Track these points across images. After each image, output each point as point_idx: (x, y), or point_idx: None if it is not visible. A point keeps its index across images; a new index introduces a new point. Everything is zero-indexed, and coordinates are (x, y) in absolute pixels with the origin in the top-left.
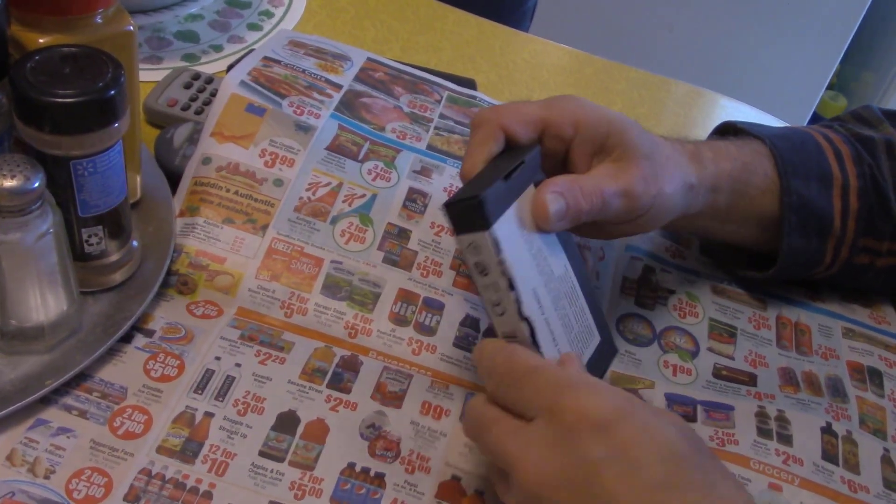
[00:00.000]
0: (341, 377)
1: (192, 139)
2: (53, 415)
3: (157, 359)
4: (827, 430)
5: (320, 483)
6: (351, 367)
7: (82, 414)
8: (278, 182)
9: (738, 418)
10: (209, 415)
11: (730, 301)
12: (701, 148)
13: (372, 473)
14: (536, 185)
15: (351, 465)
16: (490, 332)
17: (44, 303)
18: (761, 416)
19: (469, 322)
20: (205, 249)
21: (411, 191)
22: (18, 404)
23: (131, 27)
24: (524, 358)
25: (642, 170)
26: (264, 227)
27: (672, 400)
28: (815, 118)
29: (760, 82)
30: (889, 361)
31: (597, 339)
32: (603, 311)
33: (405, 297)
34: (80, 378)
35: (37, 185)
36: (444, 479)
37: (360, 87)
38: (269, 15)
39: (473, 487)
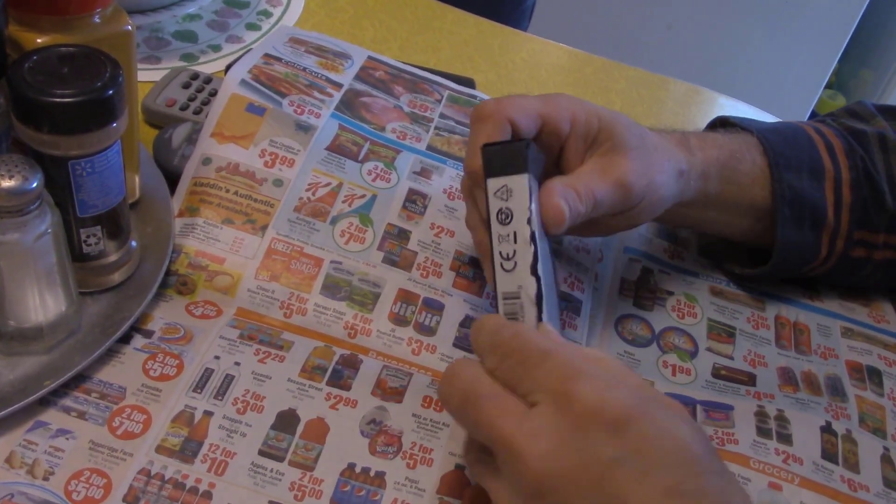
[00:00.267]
0: (341, 374)
1: (191, 139)
2: (52, 416)
3: (156, 359)
4: (826, 430)
5: (320, 484)
6: (351, 364)
7: (81, 415)
8: (278, 182)
9: (737, 418)
10: (208, 414)
11: (728, 301)
12: (687, 136)
13: (372, 473)
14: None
15: (351, 466)
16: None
17: (42, 303)
18: (761, 415)
19: (469, 323)
20: (204, 250)
21: (411, 192)
22: (17, 406)
23: (129, 27)
24: (534, 337)
25: (633, 160)
26: (264, 228)
27: None
28: (814, 117)
29: (759, 81)
30: (888, 360)
31: (557, 321)
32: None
33: (405, 297)
34: (79, 379)
35: (35, 185)
36: (447, 469)
37: (360, 87)
38: (267, 14)
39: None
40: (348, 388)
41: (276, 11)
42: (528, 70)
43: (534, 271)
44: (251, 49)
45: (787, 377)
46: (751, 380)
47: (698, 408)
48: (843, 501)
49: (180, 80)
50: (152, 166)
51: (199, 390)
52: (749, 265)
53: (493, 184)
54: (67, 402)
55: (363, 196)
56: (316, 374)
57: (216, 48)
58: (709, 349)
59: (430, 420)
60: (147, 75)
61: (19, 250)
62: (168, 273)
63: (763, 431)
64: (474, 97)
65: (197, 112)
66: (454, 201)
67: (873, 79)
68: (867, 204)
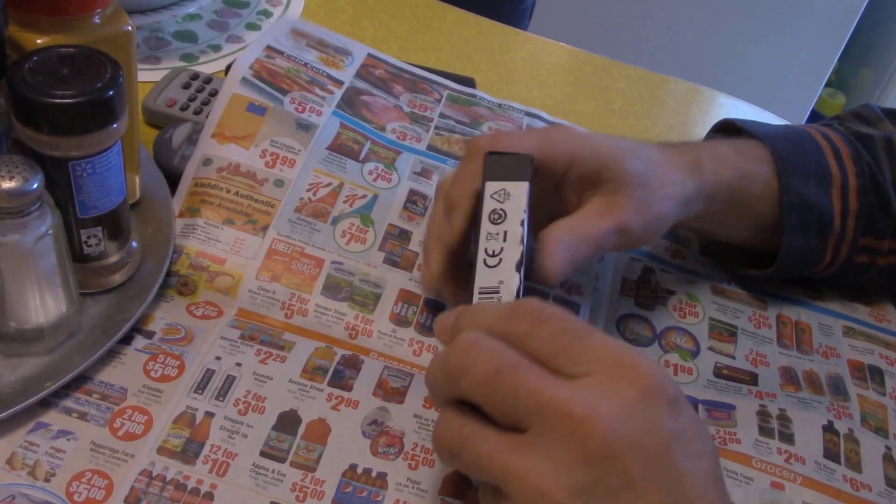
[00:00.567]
0: (342, 374)
1: (191, 139)
2: (53, 417)
3: (157, 359)
4: (828, 429)
5: (322, 485)
6: (352, 365)
7: (82, 416)
8: (279, 182)
9: (739, 417)
10: (210, 415)
11: (730, 300)
12: (702, 157)
13: (374, 474)
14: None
15: (352, 467)
16: None
17: (43, 304)
18: (763, 414)
19: None
20: (205, 250)
21: (412, 192)
22: (18, 407)
23: (129, 27)
24: (566, 315)
25: (634, 201)
26: (265, 228)
27: None
28: (814, 115)
29: (759, 80)
30: (890, 359)
31: None
32: None
33: (406, 297)
34: (80, 380)
35: (35, 186)
36: (449, 470)
37: (360, 85)
38: (267, 14)
39: None
40: (349, 389)
41: (276, 11)
42: (528, 69)
43: (518, 269)
44: (254, 41)
45: (789, 376)
46: (753, 379)
47: (700, 407)
48: (845, 501)
49: (180, 80)
50: (153, 167)
51: (200, 391)
52: (751, 265)
53: (492, 186)
54: (68, 403)
55: (364, 196)
56: (317, 375)
57: (216, 48)
58: (710, 348)
59: (432, 420)
60: (147, 75)
61: (20, 251)
62: (169, 274)
63: (765, 431)
64: (474, 97)
65: (197, 112)
66: None
67: (873, 77)
68: (873, 210)
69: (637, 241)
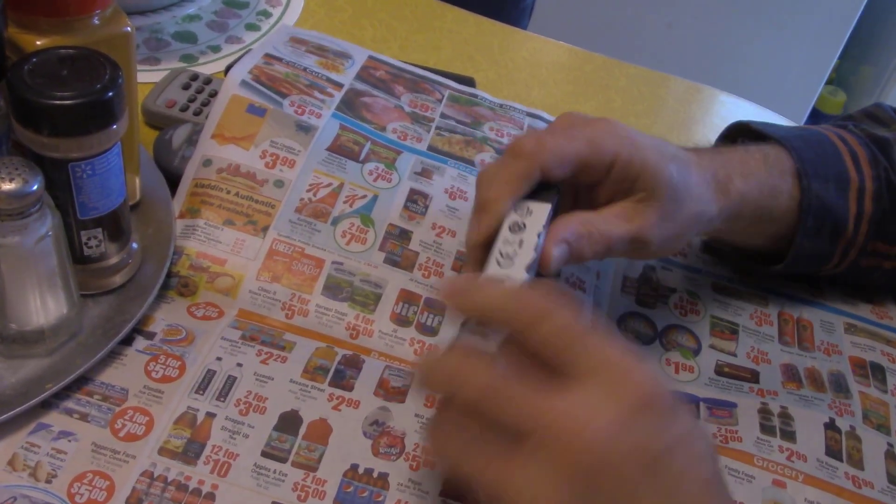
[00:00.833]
0: (343, 374)
1: (191, 140)
2: (54, 419)
3: (158, 360)
4: (830, 426)
5: (323, 485)
6: (353, 364)
7: (83, 417)
8: (279, 183)
9: (741, 415)
10: (211, 415)
11: (731, 298)
12: (733, 175)
13: (375, 474)
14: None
15: (354, 467)
16: None
17: (44, 306)
18: (764, 412)
19: None
20: (205, 251)
21: (412, 192)
22: (19, 409)
23: (129, 28)
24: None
25: (661, 214)
26: (265, 229)
27: None
28: (815, 113)
29: (759, 78)
30: (891, 357)
31: None
32: None
33: (407, 297)
34: (81, 381)
35: (35, 187)
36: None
37: (361, 86)
38: (266, 15)
39: None
40: (350, 389)
41: (276, 12)
42: (528, 68)
43: (528, 270)
44: (252, 49)
45: (791, 374)
46: (754, 377)
47: (701, 405)
48: (847, 498)
49: (180, 81)
50: (153, 168)
51: (201, 392)
52: (755, 261)
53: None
54: (69, 404)
55: (364, 196)
56: (318, 375)
57: (216, 49)
58: (712, 346)
59: None
60: (147, 76)
61: (20, 253)
62: (169, 275)
63: (767, 429)
64: (476, 97)
65: (197, 113)
66: (455, 201)
67: (874, 75)
68: (886, 215)
69: (649, 255)
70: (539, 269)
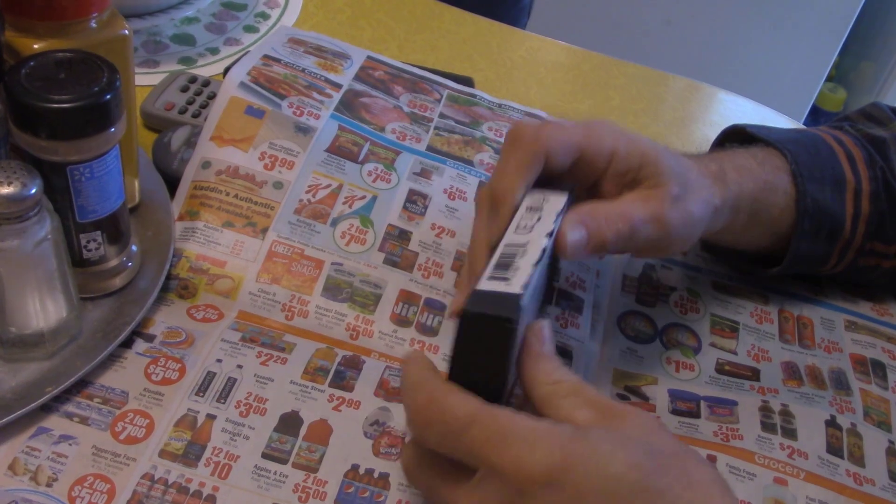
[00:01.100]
0: (343, 375)
1: (190, 142)
2: (55, 422)
3: (158, 363)
4: (831, 424)
5: (324, 486)
6: (353, 365)
7: (83, 420)
8: (278, 185)
9: (741, 413)
10: (211, 417)
11: (731, 296)
12: (725, 168)
13: (376, 474)
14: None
15: (355, 468)
16: None
17: (43, 309)
18: (765, 410)
19: None
20: (205, 253)
21: (411, 192)
22: (19, 412)
23: (126, 31)
24: (454, 402)
25: (672, 195)
26: (264, 230)
27: (675, 396)
28: (815, 110)
29: (759, 75)
30: (892, 354)
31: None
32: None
33: (406, 298)
34: (81, 384)
35: (34, 191)
36: None
37: (359, 87)
38: (265, 16)
39: None
40: (351, 390)
41: (274, 13)
42: (527, 68)
43: (535, 265)
44: (250, 51)
45: (792, 372)
46: (755, 375)
47: (702, 404)
48: (848, 495)
49: (178, 83)
50: (152, 170)
51: (201, 394)
52: (754, 263)
53: (532, 192)
54: (70, 407)
55: (363, 197)
56: (318, 376)
57: (214, 51)
58: (712, 344)
59: None
60: (145, 79)
61: (19, 257)
62: (169, 277)
63: (768, 426)
64: (474, 96)
65: (195, 115)
66: (455, 201)
67: (874, 71)
68: (884, 216)
69: (668, 244)
70: (555, 253)
